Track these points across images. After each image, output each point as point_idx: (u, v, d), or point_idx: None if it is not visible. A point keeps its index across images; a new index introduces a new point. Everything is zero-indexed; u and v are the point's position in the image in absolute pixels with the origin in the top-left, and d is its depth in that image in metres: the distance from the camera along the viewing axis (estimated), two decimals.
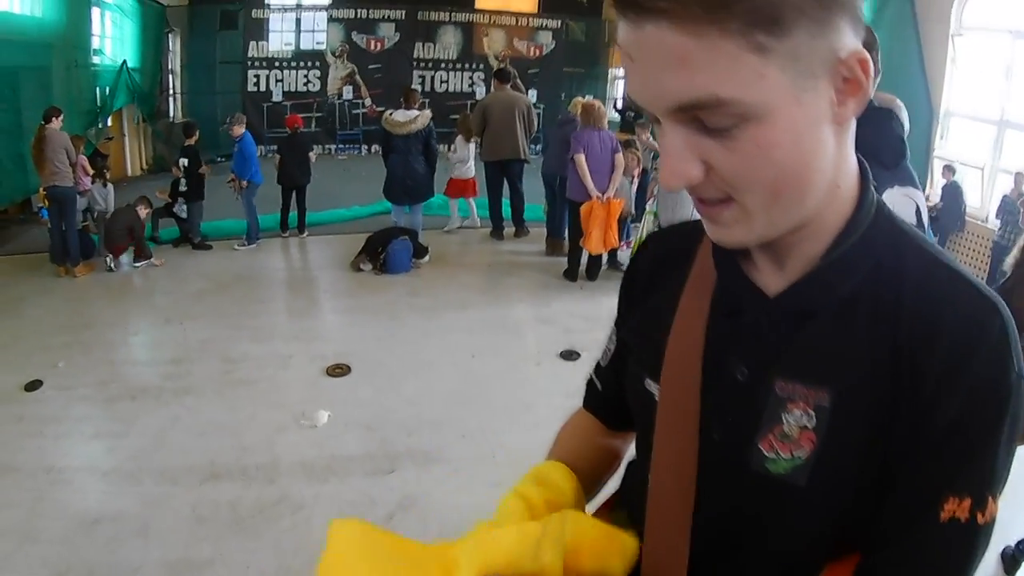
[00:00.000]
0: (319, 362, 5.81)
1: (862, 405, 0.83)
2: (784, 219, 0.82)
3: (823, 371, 0.85)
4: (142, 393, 5.31)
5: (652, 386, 1.02)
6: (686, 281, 1.02)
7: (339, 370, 5.68)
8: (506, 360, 6.04)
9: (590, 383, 1.32)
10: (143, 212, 8.61)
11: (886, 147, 2.78)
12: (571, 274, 8.24)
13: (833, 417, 0.84)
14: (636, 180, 8.90)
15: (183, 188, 9.19)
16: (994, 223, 9.11)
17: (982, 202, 9.89)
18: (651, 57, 0.73)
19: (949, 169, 9.97)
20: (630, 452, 1.24)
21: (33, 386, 5.38)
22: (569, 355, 6.09)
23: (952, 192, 9.79)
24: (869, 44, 2.20)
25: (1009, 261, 3.63)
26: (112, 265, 8.31)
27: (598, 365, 1.28)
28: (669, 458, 0.98)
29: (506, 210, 10.05)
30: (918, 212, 2.75)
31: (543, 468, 1.17)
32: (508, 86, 9.82)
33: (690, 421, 0.95)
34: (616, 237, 8.11)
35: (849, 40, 0.75)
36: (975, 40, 10.07)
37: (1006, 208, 8.69)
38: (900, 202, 2.65)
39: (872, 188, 0.90)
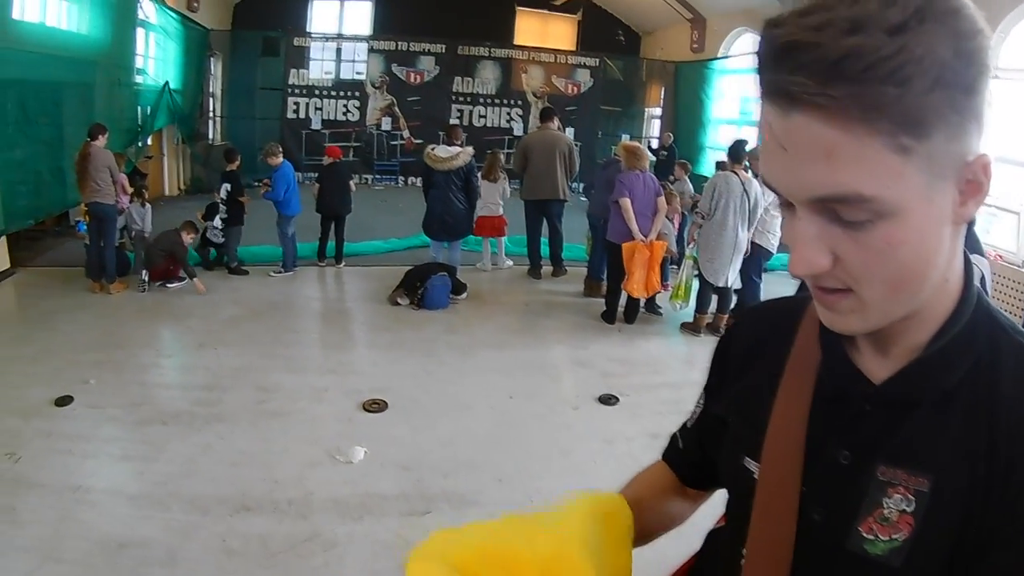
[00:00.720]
0: (354, 396, 5.72)
1: (958, 492, 0.84)
2: (898, 311, 0.84)
3: (924, 458, 0.87)
4: (173, 418, 5.24)
5: (751, 464, 1.03)
6: (786, 359, 1.04)
7: (375, 406, 5.58)
8: (543, 403, 5.94)
9: (673, 439, 1.35)
10: (187, 238, 8.61)
11: None
12: (609, 316, 8.15)
13: (931, 502, 0.86)
14: (677, 222, 8.81)
15: (223, 214, 9.20)
16: None
17: (1018, 246, 9.76)
18: (797, 147, 0.75)
19: None
20: (700, 517, 1.34)
21: (63, 402, 5.35)
22: (607, 400, 5.98)
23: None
24: None
25: None
26: (145, 285, 8.29)
27: (684, 425, 1.31)
28: (766, 535, 0.99)
29: (544, 249, 9.99)
30: (983, 280, 2.69)
31: (609, 496, 1.21)
32: (552, 125, 9.81)
33: (790, 501, 0.96)
34: (659, 281, 8.03)
35: (975, 144, 0.78)
36: (1012, 83, 10.00)
37: None
38: None
39: (974, 280, 0.92)
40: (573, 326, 8.02)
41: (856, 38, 0.69)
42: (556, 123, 9.95)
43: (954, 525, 0.84)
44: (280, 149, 9.51)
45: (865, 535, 0.89)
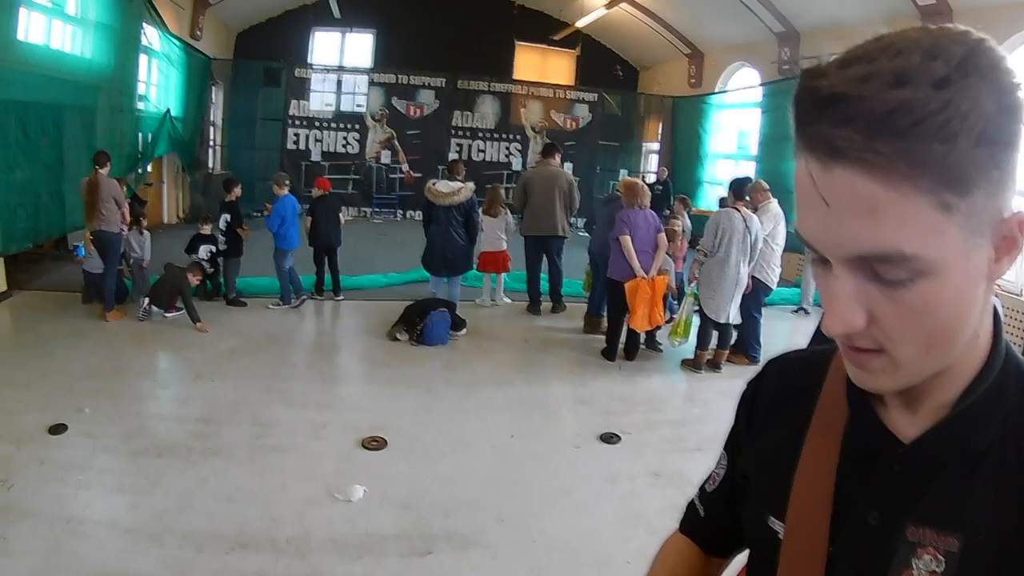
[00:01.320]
0: (353, 433, 5.65)
1: (990, 551, 0.83)
2: (929, 369, 0.82)
3: (954, 518, 0.85)
4: (169, 450, 5.17)
5: (776, 524, 1.01)
6: (811, 415, 1.02)
7: (375, 443, 5.51)
8: (544, 442, 5.88)
9: (691, 508, 1.31)
10: (194, 279, 8.62)
11: None
12: (609, 353, 8.11)
13: (961, 562, 0.84)
14: (681, 261, 8.77)
15: (222, 244, 9.19)
16: None
17: (1016, 276, 9.85)
18: (839, 202, 0.73)
19: None
20: None
21: (57, 430, 5.30)
22: (608, 438, 5.93)
23: None
24: None
25: None
26: (144, 313, 8.27)
27: (703, 490, 1.28)
28: None
29: (543, 285, 9.99)
30: (996, 315, 2.66)
31: None
32: (553, 160, 9.85)
33: (817, 562, 0.95)
34: (661, 314, 8.00)
35: (1010, 200, 0.77)
36: None
37: None
38: None
39: (1003, 337, 0.91)
40: (573, 363, 7.99)
41: (902, 91, 0.68)
42: (557, 159, 9.99)
43: None
44: (288, 181, 9.53)
45: None
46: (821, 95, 0.72)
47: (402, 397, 6.61)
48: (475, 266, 9.57)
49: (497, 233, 9.63)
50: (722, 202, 8.89)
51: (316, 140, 18.09)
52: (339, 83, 18.62)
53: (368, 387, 7.03)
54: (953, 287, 0.75)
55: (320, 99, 18.36)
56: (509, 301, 10.19)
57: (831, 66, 0.74)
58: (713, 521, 1.25)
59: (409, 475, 5.08)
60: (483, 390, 6.95)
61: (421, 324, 8.12)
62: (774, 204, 8.24)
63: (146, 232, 9.08)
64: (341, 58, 20.10)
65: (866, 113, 0.68)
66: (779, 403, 1.10)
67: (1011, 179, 0.75)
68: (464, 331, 8.54)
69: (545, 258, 9.77)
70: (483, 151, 19.25)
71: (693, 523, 1.30)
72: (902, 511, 0.88)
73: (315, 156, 18.03)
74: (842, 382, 0.97)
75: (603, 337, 8.35)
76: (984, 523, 0.84)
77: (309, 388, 6.72)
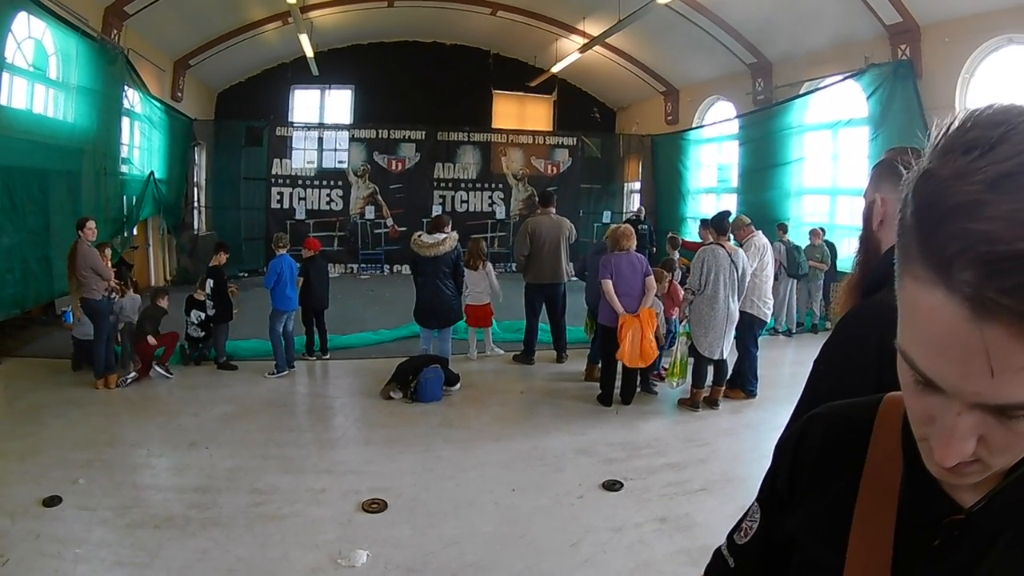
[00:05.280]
0: (352, 497, 5.58)
1: None
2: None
3: None
4: (166, 522, 5.09)
5: None
6: (860, 476, 0.99)
7: (375, 506, 5.43)
8: (547, 494, 5.81)
9: (719, 557, 1.26)
10: (163, 302, 8.73)
11: None
12: (605, 399, 8.08)
13: None
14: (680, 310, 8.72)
15: (209, 310, 9.16)
16: None
17: None
18: (981, 356, 0.68)
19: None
20: None
21: (52, 502, 5.23)
22: (611, 486, 5.89)
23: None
24: None
25: None
26: (128, 379, 8.25)
27: (731, 541, 1.23)
28: None
29: (544, 336, 9.99)
30: None
31: None
32: (552, 209, 9.94)
33: None
34: (655, 347, 7.91)
35: None
36: None
37: None
38: None
39: None
40: (571, 412, 7.93)
41: None
42: (554, 207, 10.06)
43: None
44: (285, 241, 9.54)
45: None
46: (982, 242, 0.65)
47: (400, 457, 6.55)
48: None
49: (480, 287, 9.64)
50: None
51: (300, 198, 18.21)
52: (320, 140, 18.76)
53: (366, 449, 6.95)
54: None
55: (302, 157, 18.49)
56: (501, 352, 10.16)
57: (979, 185, 0.66)
58: (744, 574, 1.21)
59: (412, 538, 5.01)
60: (482, 445, 6.90)
61: (414, 381, 8.06)
62: (758, 237, 8.31)
63: (136, 295, 9.07)
64: (321, 115, 20.27)
65: None
66: (825, 462, 1.07)
67: None
68: (458, 386, 8.49)
69: (545, 307, 9.79)
70: (466, 201, 19.39)
71: (722, 572, 1.25)
72: None
73: (299, 214, 18.10)
74: (894, 440, 0.96)
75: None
76: None
77: (306, 452, 6.65)
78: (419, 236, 8.81)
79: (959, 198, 0.66)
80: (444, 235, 8.67)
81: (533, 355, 9.85)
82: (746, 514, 1.20)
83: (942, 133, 0.72)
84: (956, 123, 0.72)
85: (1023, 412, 0.70)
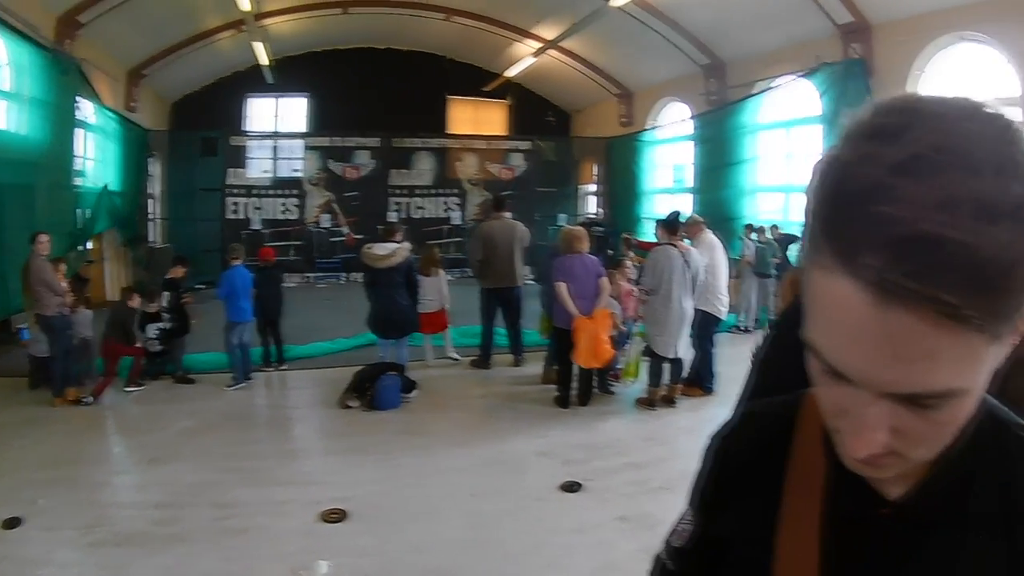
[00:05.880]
0: (314, 508, 5.57)
1: None
2: (935, 454, 0.80)
3: (943, 574, 0.84)
4: (130, 539, 5.08)
5: None
6: (786, 476, 0.98)
7: (335, 515, 5.44)
8: (508, 498, 5.87)
9: (658, 564, 1.24)
10: (134, 302, 8.68)
11: None
12: (562, 401, 8.14)
13: None
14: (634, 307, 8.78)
15: (168, 325, 9.09)
16: None
17: None
18: (892, 344, 0.66)
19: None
20: None
21: (12, 523, 5.19)
22: (571, 487, 5.96)
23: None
24: None
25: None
26: (90, 397, 8.16)
27: (668, 545, 1.21)
28: None
29: (500, 339, 10.01)
30: None
31: None
32: (506, 214, 9.98)
33: None
34: (611, 348, 8.00)
35: None
36: None
37: None
38: None
39: None
40: (529, 415, 7.98)
41: (990, 233, 0.61)
42: (508, 211, 10.11)
43: None
44: (239, 251, 9.45)
45: None
46: (885, 224, 0.63)
47: (361, 466, 6.57)
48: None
49: (432, 294, 9.62)
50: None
51: (256, 208, 18.11)
52: (275, 149, 18.69)
53: (326, 459, 6.97)
54: (976, 394, 0.73)
55: (257, 166, 18.42)
56: (459, 358, 10.17)
57: (884, 168, 0.65)
58: None
59: (375, 546, 5.04)
60: (442, 451, 6.93)
61: (371, 390, 8.07)
62: (708, 235, 8.41)
63: (88, 311, 8.95)
64: (276, 124, 20.15)
65: (951, 262, 0.61)
66: (752, 461, 1.05)
67: None
68: (415, 393, 8.49)
69: (501, 312, 9.81)
70: (422, 207, 19.43)
71: None
72: (893, 572, 0.87)
73: (256, 224, 17.99)
74: (817, 437, 0.93)
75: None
76: (980, 574, 0.84)
77: (267, 464, 6.63)
78: (370, 247, 8.79)
79: (862, 183, 0.65)
80: (396, 245, 8.68)
81: (490, 359, 9.88)
82: (681, 517, 1.18)
83: (852, 122, 0.71)
84: (864, 112, 0.71)
85: (934, 401, 0.69)
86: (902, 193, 0.63)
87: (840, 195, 0.67)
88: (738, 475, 1.07)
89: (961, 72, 10.66)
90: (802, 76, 12.64)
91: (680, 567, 1.18)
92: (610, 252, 13.72)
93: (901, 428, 0.72)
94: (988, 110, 0.68)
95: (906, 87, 10.71)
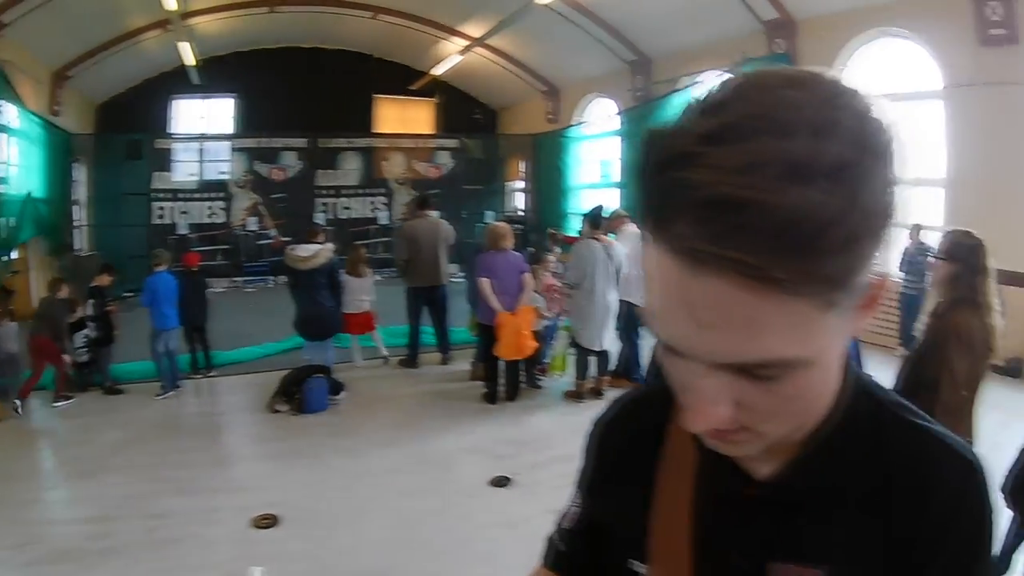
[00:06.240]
0: (245, 514, 5.57)
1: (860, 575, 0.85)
2: (796, 431, 0.82)
3: (815, 552, 0.86)
4: (64, 556, 5.05)
5: (639, 567, 1.00)
6: (661, 459, 1.00)
7: (266, 521, 5.47)
8: (438, 496, 5.96)
9: (551, 544, 1.25)
10: (63, 292, 8.66)
11: None
12: (490, 397, 8.27)
13: None
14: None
15: (93, 334, 8.97)
16: (898, 276, 9.69)
17: (882, 258, 10.50)
18: (709, 312, 0.65)
19: None
20: None
21: None
22: (501, 482, 6.08)
23: None
24: None
25: (919, 327, 3.89)
26: (19, 409, 8.03)
27: (559, 527, 1.23)
28: None
29: (428, 338, 10.03)
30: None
31: None
32: (431, 212, 10.02)
33: None
34: (533, 341, 8.15)
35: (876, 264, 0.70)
36: None
37: (908, 260, 9.41)
38: None
39: (851, 365, 0.89)
40: (458, 412, 8.07)
41: (795, 193, 0.60)
42: (433, 210, 10.14)
43: None
44: (163, 257, 9.30)
45: None
46: (688, 189, 0.62)
47: (291, 470, 6.60)
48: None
49: (361, 294, 9.61)
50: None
51: (182, 212, 17.78)
52: (201, 152, 18.39)
53: (256, 464, 6.96)
54: (824, 367, 0.73)
55: (183, 169, 18.09)
56: (388, 356, 10.12)
57: (694, 138, 0.64)
58: (575, 558, 1.19)
59: (306, 551, 5.09)
60: (371, 452, 7.00)
61: (299, 393, 8.05)
62: (631, 227, 8.48)
63: (13, 323, 8.71)
64: (203, 126, 19.83)
65: (754, 224, 0.60)
66: (628, 446, 1.07)
67: (885, 247, 0.70)
68: (343, 394, 8.49)
69: (428, 310, 9.82)
70: (348, 208, 19.30)
71: (556, 559, 1.23)
72: (763, 550, 0.88)
73: (182, 229, 17.68)
74: None
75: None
76: (849, 552, 0.85)
77: (198, 473, 6.59)
78: (292, 250, 8.77)
79: (673, 151, 0.64)
80: (318, 246, 8.67)
81: (418, 358, 9.92)
82: (571, 500, 1.20)
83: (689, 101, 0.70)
84: (702, 91, 0.70)
85: (770, 371, 0.68)
86: (707, 159, 0.62)
87: (652, 166, 0.66)
88: (617, 460, 1.09)
89: (884, 67, 11.04)
90: (727, 72, 12.76)
91: (570, 548, 1.20)
92: (531, 248, 13.89)
93: (745, 402, 0.72)
94: (819, 78, 0.69)
95: None
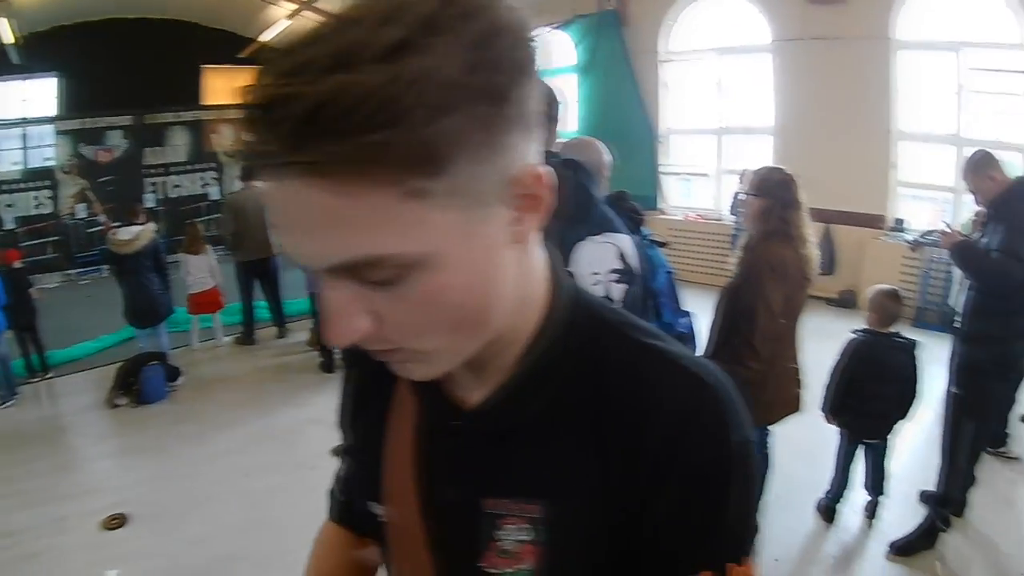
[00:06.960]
0: (94, 517, 5.48)
1: (580, 510, 0.83)
2: (469, 349, 0.78)
3: (532, 485, 0.85)
4: None
5: (376, 508, 1.02)
6: (394, 395, 1.00)
7: (115, 521, 5.41)
8: (282, 472, 6.04)
9: (332, 495, 1.31)
10: None
11: (568, 201, 2.47)
12: (327, 366, 8.37)
13: (552, 527, 0.84)
14: None
15: None
16: (730, 219, 10.71)
17: (715, 202, 11.72)
18: (295, 215, 0.66)
19: None
20: None
21: None
22: (339, 451, 6.21)
23: None
24: (550, 102, 2.47)
25: (733, 260, 4.12)
26: None
27: (337, 476, 1.29)
28: None
29: (263, 313, 9.99)
30: (622, 255, 2.56)
31: None
32: (256, 183, 9.75)
33: (418, 543, 0.94)
34: None
35: (521, 155, 0.70)
36: (684, 64, 12.00)
37: (737, 204, 10.07)
38: (598, 252, 2.54)
39: (566, 285, 0.88)
40: (297, 385, 8.12)
41: (335, 78, 0.59)
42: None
43: (586, 544, 0.83)
44: None
45: (489, 571, 0.87)
46: (250, 102, 0.63)
47: (135, 465, 6.54)
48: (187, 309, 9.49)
49: (203, 272, 9.39)
50: None
51: (7, 205, 16.80)
52: (24, 137, 17.31)
53: (99, 464, 6.83)
54: (459, 271, 0.69)
55: (6, 158, 17.03)
56: (226, 338, 10.00)
57: (275, 58, 0.64)
58: (352, 506, 1.22)
59: (158, 546, 5.11)
60: (214, 435, 6.99)
61: (137, 383, 7.89)
62: None
63: None
64: (25, 110, 18.51)
65: (288, 118, 0.59)
66: (368, 389, 1.07)
67: (516, 134, 0.68)
68: (181, 380, 8.35)
69: (260, 284, 9.72)
70: (179, 186, 18.60)
71: (336, 510, 1.30)
72: (477, 484, 0.88)
73: (8, 223, 16.69)
74: None
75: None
76: (568, 482, 0.83)
77: (44, 482, 6.39)
78: (114, 234, 8.52)
79: (251, 96, 0.65)
80: (139, 228, 8.50)
81: (254, 334, 9.90)
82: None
83: None
84: None
85: (377, 272, 0.67)
86: (271, 72, 0.63)
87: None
88: (359, 396, 1.11)
89: (713, 23, 11.62)
90: (558, 28, 13.05)
91: (347, 495, 1.25)
92: None
93: (381, 313, 0.71)
94: None
95: (658, 39, 11.82)
